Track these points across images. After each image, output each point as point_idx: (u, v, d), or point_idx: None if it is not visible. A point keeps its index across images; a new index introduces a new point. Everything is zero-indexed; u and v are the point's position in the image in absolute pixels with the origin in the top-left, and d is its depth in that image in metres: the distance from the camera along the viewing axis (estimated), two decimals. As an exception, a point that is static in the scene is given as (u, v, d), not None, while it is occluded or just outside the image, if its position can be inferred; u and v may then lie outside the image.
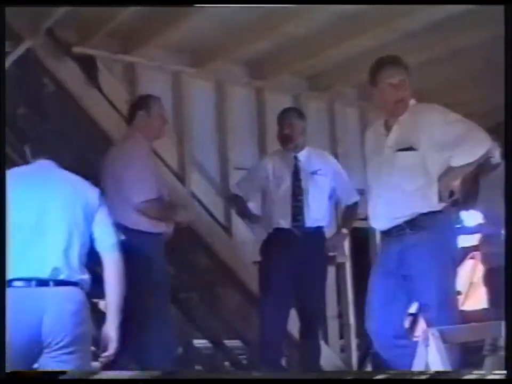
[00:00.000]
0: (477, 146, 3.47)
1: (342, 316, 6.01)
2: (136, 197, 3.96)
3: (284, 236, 4.55)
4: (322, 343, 5.63)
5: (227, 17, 4.82)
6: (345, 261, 5.97)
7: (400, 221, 3.51)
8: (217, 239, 5.29)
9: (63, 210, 3.28)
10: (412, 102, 3.64)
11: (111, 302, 3.36)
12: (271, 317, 4.49)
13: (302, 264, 4.51)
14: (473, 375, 2.94)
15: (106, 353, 3.29)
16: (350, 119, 6.33)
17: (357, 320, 5.75)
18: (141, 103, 4.33)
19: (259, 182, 4.74)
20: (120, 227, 3.61)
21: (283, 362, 5.03)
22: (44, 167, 3.40)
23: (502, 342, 2.97)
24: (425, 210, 3.48)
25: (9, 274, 3.16)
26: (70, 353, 3.20)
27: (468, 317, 4.07)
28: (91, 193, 3.37)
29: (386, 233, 3.65)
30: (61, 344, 3.18)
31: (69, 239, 3.26)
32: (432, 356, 2.83)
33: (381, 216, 3.61)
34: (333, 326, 5.93)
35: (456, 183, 4.02)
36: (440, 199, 3.49)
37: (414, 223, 3.48)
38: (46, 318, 3.18)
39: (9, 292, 3.14)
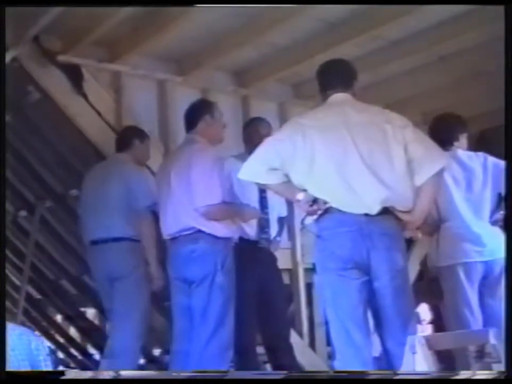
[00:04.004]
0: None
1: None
2: (200, 201, 4.02)
3: (251, 247, 4.52)
4: (309, 350, 5.65)
5: (212, 26, 4.82)
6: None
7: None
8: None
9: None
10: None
11: None
12: (241, 323, 4.48)
13: (268, 274, 4.60)
14: (473, 375, 2.93)
15: None
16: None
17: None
18: (205, 108, 4.36)
19: None
20: (192, 229, 4.04)
21: (267, 367, 5.01)
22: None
23: (488, 348, 2.98)
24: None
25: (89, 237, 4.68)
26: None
27: None
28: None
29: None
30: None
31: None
32: (419, 363, 2.83)
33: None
34: (320, 333, 5.92)
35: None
36: None
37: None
38: (110, 266, 4.55)
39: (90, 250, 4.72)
